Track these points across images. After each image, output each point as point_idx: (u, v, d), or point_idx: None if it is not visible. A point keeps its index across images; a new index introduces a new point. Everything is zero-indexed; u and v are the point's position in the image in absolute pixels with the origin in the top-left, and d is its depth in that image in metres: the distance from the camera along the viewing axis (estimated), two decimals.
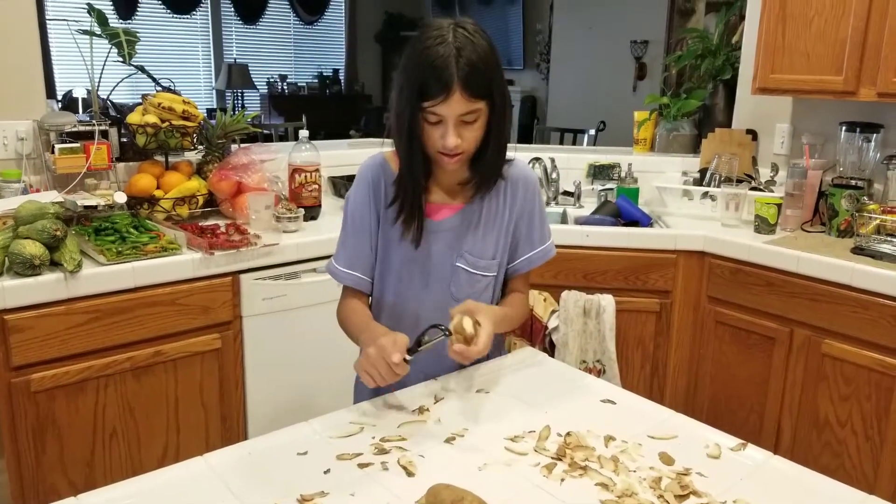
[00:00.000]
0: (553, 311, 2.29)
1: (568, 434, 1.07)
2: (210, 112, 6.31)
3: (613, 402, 1.20)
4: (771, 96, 2.45)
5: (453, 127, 1.14)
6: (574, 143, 4.54)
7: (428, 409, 1.15)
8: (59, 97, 5.73)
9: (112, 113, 2.28)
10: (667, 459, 1.02)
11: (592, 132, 4.50)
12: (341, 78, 8.30)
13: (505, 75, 1.21)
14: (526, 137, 6.38)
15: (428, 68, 1.11)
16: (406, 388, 1.22)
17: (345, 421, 1.11)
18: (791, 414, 2.09)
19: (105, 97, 2.33)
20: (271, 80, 7.83)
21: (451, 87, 1.10)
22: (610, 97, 5.72)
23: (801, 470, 1.00)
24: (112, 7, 6.62)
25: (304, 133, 2.33)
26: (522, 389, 1.23)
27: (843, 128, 2.32)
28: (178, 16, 7.13)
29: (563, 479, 0.96)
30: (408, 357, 1.08)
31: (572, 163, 2.87)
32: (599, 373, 2.31)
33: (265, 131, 4.96)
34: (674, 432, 1.09)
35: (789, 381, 2.08)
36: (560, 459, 1.01)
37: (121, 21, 6.51)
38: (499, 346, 1.46)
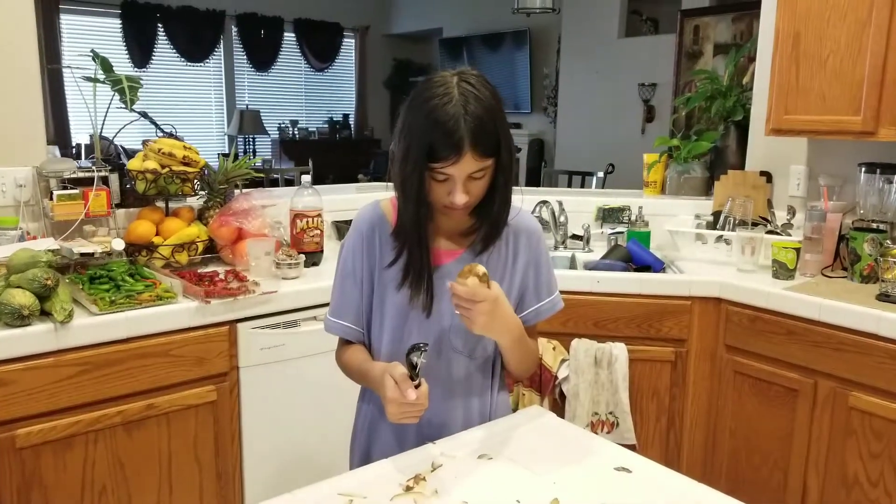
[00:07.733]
0: (563, 361, 2.20)
1: None
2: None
3: (629, 471, 1.10)
4: (785, 137, 2.39)
5: (461, 184, 1.11)
6: (582, 186, 4.49)
7: (424, 479, 1.06)
8: (74, 144, 5.80)
9: (122, 159, 2.26)
10: None
11: (601, 175, 4.45)
12: (351, 123, 8.40)
13: (510, 119, 1.17)
14: (533, 180, 6.37)
15: (436, 130, 1.07)
16: (403, 452, 1.15)
17: (332, 492, 1.02)
18: (817, 471, 1.96)
19: (113, 142, 2.32)
20: (282, 125, 7.93)
21: (461, 149, 1.07)
22: (618, 140, 5.71)
23: None
24: (128, 56, 6.77)
25: (306, 178, 2.30)
26: (528, 454, 1.15)
27: (863, 169, 2.25)
28: (192, 63, 7.27)
29: None
30: (416, 384, 1.09)
31: (581, 206, 2.81)
32: (612, 426, 2.20)
33: (273, 176, 4.97)
34: None
35: (814, 435, 1.97)
36: None
37: (136, 69, 6.65)
38: (505, 405, 1.38)
